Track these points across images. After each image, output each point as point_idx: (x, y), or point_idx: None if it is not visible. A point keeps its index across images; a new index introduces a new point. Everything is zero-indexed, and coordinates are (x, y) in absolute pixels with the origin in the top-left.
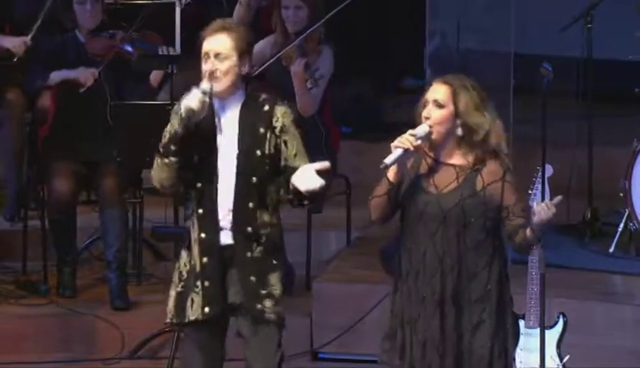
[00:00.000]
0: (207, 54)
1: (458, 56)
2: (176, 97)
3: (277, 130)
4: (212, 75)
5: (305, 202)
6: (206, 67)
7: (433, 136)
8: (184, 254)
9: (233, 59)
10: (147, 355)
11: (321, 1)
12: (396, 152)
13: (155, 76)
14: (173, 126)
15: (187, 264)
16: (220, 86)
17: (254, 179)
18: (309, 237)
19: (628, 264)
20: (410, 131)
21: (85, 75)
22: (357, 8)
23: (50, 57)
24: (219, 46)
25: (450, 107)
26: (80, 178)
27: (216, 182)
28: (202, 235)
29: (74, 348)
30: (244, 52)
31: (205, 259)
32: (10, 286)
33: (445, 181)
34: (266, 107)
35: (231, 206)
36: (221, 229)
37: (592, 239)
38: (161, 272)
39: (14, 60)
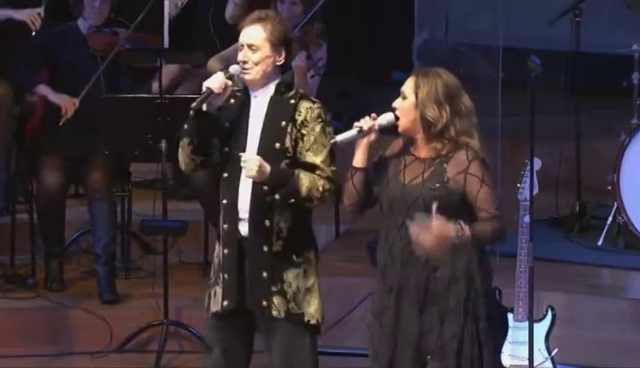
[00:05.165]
0: (241, 45)
1: (446, 50)
2: (164, 91)
3: (297, 124)
4: (243, 65)
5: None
6: (238, 57)
7: (400, 129)
8: (217, 246)
9: (266, 50)
10: (135, 348)
11: None
12: (351, 131)
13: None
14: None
15: (217, 257)
16: (250, 76)
17: None
18: None
19: (616, 257)
20: (374, 115)
21: (67, 104)
22: (347, 2)
23: (44, 52)
24: (251, 37)
25: (412, 98)
26: (69, 171)
27: (240, 173)
28: (225, 226)
29: (61, 341)
30: (278, 43)
31: (226, 251)
32: None
33: (413, 173)
34: (292, 101)
35: (249, 198)
36: (240, 220)
37: (581, 232)
38: (149, 266)
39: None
